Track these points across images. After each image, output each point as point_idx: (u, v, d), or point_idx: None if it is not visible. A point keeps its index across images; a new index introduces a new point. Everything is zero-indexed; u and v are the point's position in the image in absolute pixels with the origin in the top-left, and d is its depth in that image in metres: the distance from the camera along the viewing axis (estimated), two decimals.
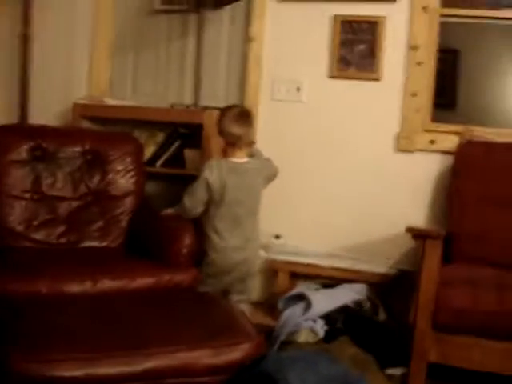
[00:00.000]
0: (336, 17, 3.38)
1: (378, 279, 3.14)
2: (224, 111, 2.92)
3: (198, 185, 2.81)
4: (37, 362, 1.74)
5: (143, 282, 2.47)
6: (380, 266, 3.20)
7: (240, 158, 2.85)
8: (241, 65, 3.57)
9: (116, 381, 1.80)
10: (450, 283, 2.53)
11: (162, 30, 3.71)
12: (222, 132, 2.87)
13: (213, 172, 2.80)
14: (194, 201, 2.83)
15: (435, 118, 3.35)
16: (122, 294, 2.38)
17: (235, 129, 2.82)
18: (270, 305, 3.40)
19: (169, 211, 2.94)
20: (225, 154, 2.91)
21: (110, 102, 3.53)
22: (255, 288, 3.02)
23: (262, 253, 3.15)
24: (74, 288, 2.36)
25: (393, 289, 3.14)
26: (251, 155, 2.96)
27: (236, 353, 1.89)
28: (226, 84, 3.62)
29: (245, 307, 2.82)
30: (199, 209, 2.85)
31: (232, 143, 2.85)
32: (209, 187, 2.80)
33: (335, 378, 0.66)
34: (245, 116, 2.87)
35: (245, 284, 2.91)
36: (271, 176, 2.96)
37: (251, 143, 2.94)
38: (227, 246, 2.81)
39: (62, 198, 3.00)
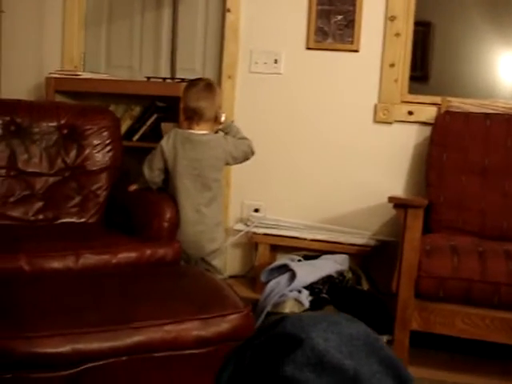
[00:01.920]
0: None
1: (358, 250, 3.15)
2: (187, 86, 2.85)
3: (155, 153, 2.78)
4: (21, 339, 1.71)
5: (125, 256, 2.44)
6: (360, 237, 3.22)
7: (198, 131, 2.77)
8: (217, 36, 3.53)
9: (103, 355, 1.77)
10: (431, 252, 2.55)
11: (137, 0, 3.63)
12: (184, 107, 2.81)
13: (169, 140, 2.77)
14: (151, 170, 2.79)
15: (410, 91, 3.36)
16: (104, 270, 2.36)
17: (193, 103, 2.75)
18: (250, 278, 3.41)
19: (133, 186, 2.89)
20: (181, 126, 2.86)
21: (85, 75, 3.46)
22: (223, 267, 2.93)
23: (221, 230, 2.92)
24: (56, 264, 2.32)
25: (373, 259, 3.16)
26: (225, 132, 2.87)
27: (224, 324, 1.89)
28: (202, 56, 3.58)
29: None
30: (157, 178, 2.80)
31: (190, 117, 2.78)
32: (163, 155, 2.76)
33: (357, 337, 0.65)
34: (206, 91, 2.77)
35: (208, 263, 2.81)
36: (237, 155, 2.83)
37: (214, 119, 2.79)
38: (181, 218, 2.72)
39: (39, 174, 2.95)
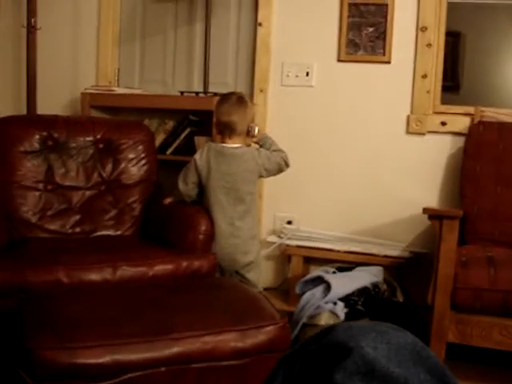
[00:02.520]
0: (343, 0, 3.36)
1: (392, 262, 3.14)
2: (219, 100, 2.88)
3: (189, 167, 2.82)
4: (63, 350, 1.74)
5: (162, 268, 2.47)
6: (394, 249, 3.20)
7: (231, 144, 2.80)
8: (249, 50, 3.56)
9: (142, 366, 1.79)
10: (467, 263, 2.54)
11: (169, 16, 3.70)
12: (216, 121, 2.85)
13: (202, 154, 2.80)
14: (185, 183, 2.82)
15: (442, 101, 3.35)
16: (141, 282, 2.39)
17: (225, 118, 2.78)
18: (283, 290, 3.42)
19: (168, 199, 2.92)
20: (215, 139, 2.90)
21: (119, 90, 3.52)
22: (258, 280, 2.93)
23: (257, 243, 2.93)
24: (94, 276, 2.36)
25: (408, 271, 3.14)
26: (260, 144, 2.90)
27: (261, 336, 1.91)
28: (234, 70, 3.62)
29: None
30: (192, 192, 2.83)
31: (222, 131, 2.81)
32: (197, 169, 2.79)
33: (404, 346, 0.66)
34: (237, 105, 2.79)
35: (242, 276, 2.83)
36: (270, 167, 2.83)
37: (247, 133, 2.81)
38: (215, 231, 2.74)
39: (75, 188, 3.00)
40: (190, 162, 2.83)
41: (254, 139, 2.87)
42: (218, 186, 2.76)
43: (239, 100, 2.82)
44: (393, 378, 0.63)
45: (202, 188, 2.82)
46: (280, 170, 2.88)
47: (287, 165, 2.88)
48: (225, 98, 2.86)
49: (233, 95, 2.86)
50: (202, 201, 2.85)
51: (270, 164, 2.83)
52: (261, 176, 2.87)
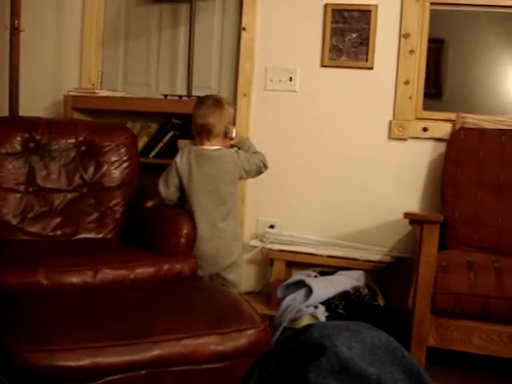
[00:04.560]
0: (327, 5, 3.38)
1: (373, 266, 3.16)
2: (196, 103, 2.89)
3: (170, 170, 2.82)
4: (42, 352, 1.73)
5: (143, 271, 2.46)
6: (375, 254, 3.22)
7: (209, 146, 2.81)
8: (233, 55, 3.57)
9: (122, 369, 1.79)
10: (447, 268, 2.56)
11: (153, 20, 3.70)
12: (193, 123, 2.86)
13: (183, 157, 2.81)
14: (167, 187, 2.82)
15: (424, 108, 3.38)
16: (122, 284, 2.38)
17: (201, 120, 2.79)
18: (265, 294, 3.42)
19: (150, 203, 2.92)
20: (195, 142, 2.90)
21: (102, 93, 3.51)
22: (239, 282, 2.94)
23: (238, 245, 2.94)
24: (74, 279, 2.34)
25: (389, 276, 3.16)
26: (238, 147, 2.91)
27: (242, 339, 1.90)
28: (218, 74, 3.62)
29: None
30: (174, 196, 2.84)
31: (200, 134, 2.82)
32: (178, 172, 2.79)
33: (379, 345, 0.67)
34: (214, 107, 2.80)
35: (224, 280, 2.83)
36: (249, 168, 2.85)
37: (224, 134, 2.82)
38: (198, 233, 2.75)
39: (57, 190, 2.99)
40: (171, 165, 2.83)
41: (232, 142, 2.89)
42: (199, 188, 2.77)
43: (215, 102, 2.83)
44: (367, 376, 0.63)
45: (183, 191, 2.82)
46: (259, 172, 2.91)
47: (266, 166, 2.91)
48: (201, 100, 2.88)
49: (209, 98, 2.87)
50: (182, 204, 2.84)
51: (249, 165, 2.85)
52: (241, 177, 2.89)
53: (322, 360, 0.63)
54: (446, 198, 3.06)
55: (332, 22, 3.39)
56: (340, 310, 2.58)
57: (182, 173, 2.79)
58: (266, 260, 3.45)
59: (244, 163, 2.83)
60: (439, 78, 3.50)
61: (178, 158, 2.81)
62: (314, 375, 0.62)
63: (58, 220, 2.93)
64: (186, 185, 2.80)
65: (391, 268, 3.18)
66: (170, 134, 3.46)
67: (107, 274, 2.39)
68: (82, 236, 2.92)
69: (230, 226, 2.82)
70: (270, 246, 3.35)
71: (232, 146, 2.90)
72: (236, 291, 2.67)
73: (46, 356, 1.72)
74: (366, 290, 2.78)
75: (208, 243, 2.76)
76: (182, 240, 2.64)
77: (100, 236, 2.95)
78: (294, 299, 2.63)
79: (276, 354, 0.68)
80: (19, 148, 2.96)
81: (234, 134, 2.85)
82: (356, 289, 2.74)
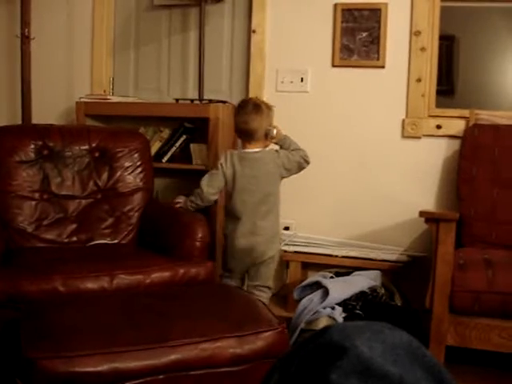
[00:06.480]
0: (337, 5, 3.38)
1: (390, 266, 3.14)
2: (236, 109, 2.96)
3: (214, 172, 2.91)
4: (61, 359, 1.73)
5: (159, 276, 2.46)
6: (391, 253, 3.20)
7: (251, 149, 2.90)
8: (244, 57, 3.57)
9: (140, 374, 1.79)
10: (465, 266, 2.54)
11: (163, 24, 3.70)
12: (235, 128, 2.96)
13: (227, 160, 2.90)
14: (211, 186, 2.89)
15: (437, 105, 3.36)
16: (138, 290, 2.38)
17: (243, 126, 2.88)
18: (281, 296, 3.41)
19: (179, 200, 2.98)
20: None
21: (114, 99, 3.52)
22: (271, 276, 2.99)
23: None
24: (91, 285, 2.35)
25: (405, 275, 3.14)
26: (280, 145, 2.98)
27: (259, 341, 1.90)
28: (229, 77, 3.62)
29: (262, 295, 2.85)
30: (214, 196, 2.92)
31: (242, 138, 2.94)
32: (224, 174, 2.89)
33: (400, 345, 0.66)
34: (254, 113, 2.88)
35: (257, 270, 2.91)
36: (290, 166, 2.93)
37: (265, 136, 2.90)
38: (236, 231, 2.86)
39: (71, 197, 3.00)
40: (216, 168, 2.91)
41: (274, 140, 2.96)
42: (243, 188, 2.87)
43: (255, 108, 2.90)
44: (388, 376, 0.62)
45: (227, 191, 2.92)
46: (300, 168, 2.97)
47: (307, 162, 2.96)
48: (241, 106, 2.94)
49: (249, 103, 2.94)
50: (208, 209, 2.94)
51: (290, 163, 2.93)
52: (282, 176, 2.95)
53: (343, 361, 0.62)
54: (461, 195, 3.04)
55: (342, 22, 3.38)
56: (357, 311, 2.57)
57: (227, 175, 2.88)
58: (282, 262, 3.44)
59: (284, 162, 2.91)
60: (451, 75, 3.48)
61: (222, 162, 2.90)
62: (335, 376, 0.62)
63: (73, 226, 2.94)
64: (230, 185, 2.89)
65: (407, 267, 3.16)
66: (182, 138, 3.46)
67: (123, 279, 2.39)
68: (98, 242, 2.93)
69: (269, 223, 2.91)
70: (285, 247, 3.34)
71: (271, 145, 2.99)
72: (269, 283, 2.92)
73: (65, 362, 1.72)
74: (383, 290, 2.77)
75: (247, 239, 2.86)
76: (197, 244, 2.63)
77: (115, 241, 2.96)
78: (311, 301, 2.62)
79: (296, 356, 0.68)
80: (33, 156, 2.97)
81: (275, 134, 2.93)
82: (373, 289, 2.73)
